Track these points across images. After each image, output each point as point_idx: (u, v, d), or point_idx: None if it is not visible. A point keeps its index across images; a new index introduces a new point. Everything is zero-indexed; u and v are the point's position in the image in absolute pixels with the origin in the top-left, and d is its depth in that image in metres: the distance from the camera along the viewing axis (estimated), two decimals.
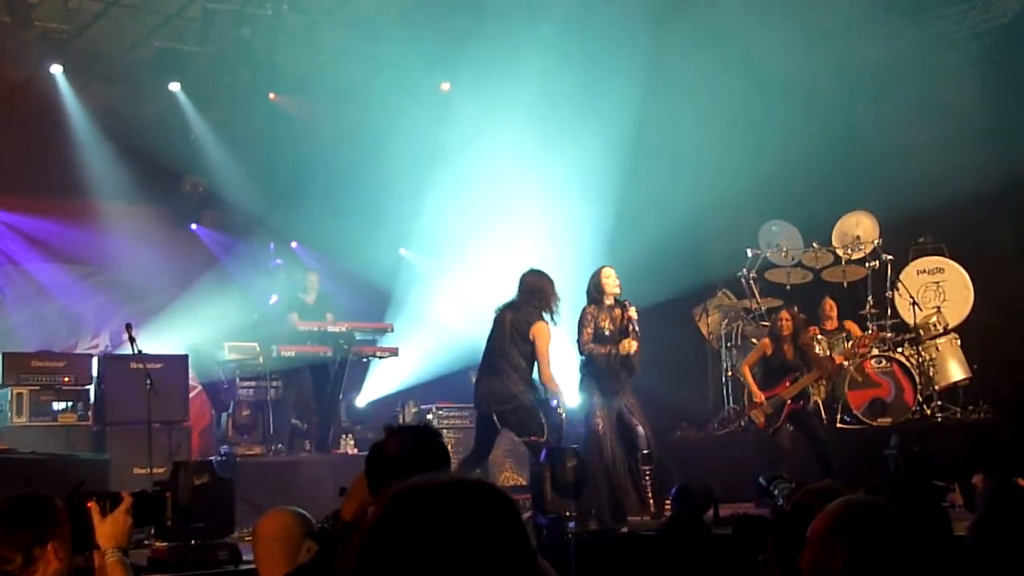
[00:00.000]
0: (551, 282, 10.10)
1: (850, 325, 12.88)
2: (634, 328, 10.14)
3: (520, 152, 14.38)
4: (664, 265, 13.66)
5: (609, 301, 10.32)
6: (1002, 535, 4.07)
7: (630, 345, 10.03)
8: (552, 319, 10.04)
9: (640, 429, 10.24)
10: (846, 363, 12.19)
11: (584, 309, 10.37)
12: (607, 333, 10.22)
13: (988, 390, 12.71)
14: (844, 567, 2.81)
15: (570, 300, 10.52)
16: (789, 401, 11.05)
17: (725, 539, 5.61)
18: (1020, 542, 4.06)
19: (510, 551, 1.84)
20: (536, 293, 10.01)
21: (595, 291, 10.37)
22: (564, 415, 10.06)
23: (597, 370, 10.27)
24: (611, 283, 10.35)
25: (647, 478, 10.20)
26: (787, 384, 11.10)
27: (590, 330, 10.24)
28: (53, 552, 3.65)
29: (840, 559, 2.82)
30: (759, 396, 11.14)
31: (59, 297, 15.03)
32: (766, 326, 13.43)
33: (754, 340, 13.55)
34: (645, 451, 10.22)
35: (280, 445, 12.79)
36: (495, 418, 9.91)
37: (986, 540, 4.10)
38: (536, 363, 9.90)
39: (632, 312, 10.17)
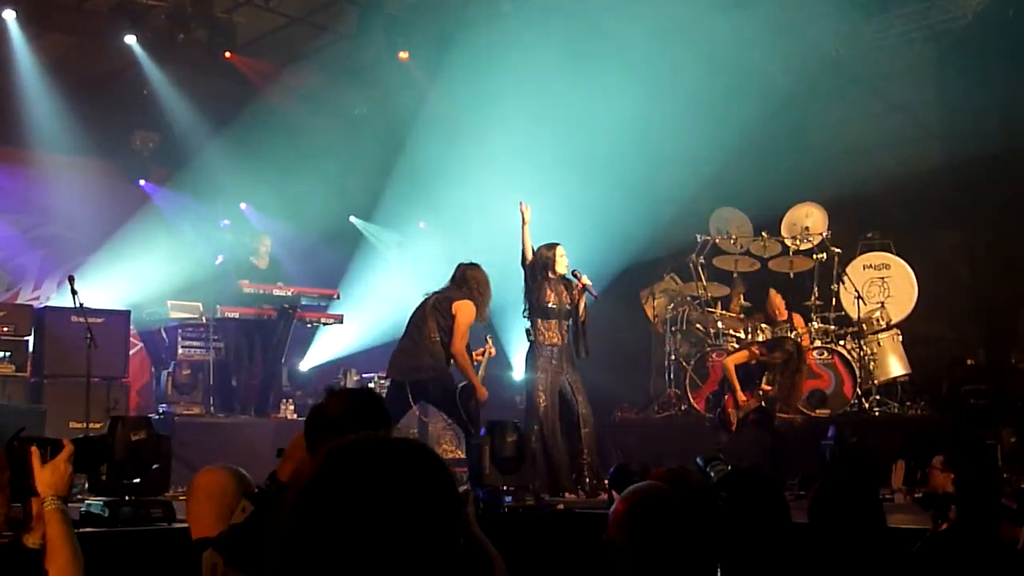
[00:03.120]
0: (487, 278, 10.10)
1: (794, 317, 12.95)
2: (587, 297, 10.22)
3: (478, 130, 14.36)
4: (613, 247, 13.70)
5: (554, 276, 10.34)
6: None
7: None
8: (479, 311, 10.01)
9: (581, 408, 10.28)
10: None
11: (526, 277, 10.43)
12: (552, 307, 10.26)
13: (926, 387, 12.85)
14: (628, 550, 3.00)
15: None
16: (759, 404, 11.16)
17: None
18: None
19: (440, 507, 1.86)
20: (469, 281, 10.00)
21: (541, 266, 10.37)
22: (479, 402, 9.99)
23: (540, 345, 10.31)
24: (562, 263, 10.39)
25: (585, 456, 10.25)
26: (764, 385, 11.13)
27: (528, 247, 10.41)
28: None
29: (626, 541, 3.00)
30: (743, 398, 11.15)
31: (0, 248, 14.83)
32: (711, 312, 13.53)
33: (699, 326, 13.64)
34: (585, 430, 10.27)
35: (219, 406, 12.72)
36: (408, 388, 9.85)
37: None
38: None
39: (585, 279, 10.24)
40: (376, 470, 1.84)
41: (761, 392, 11.09)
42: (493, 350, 10.74)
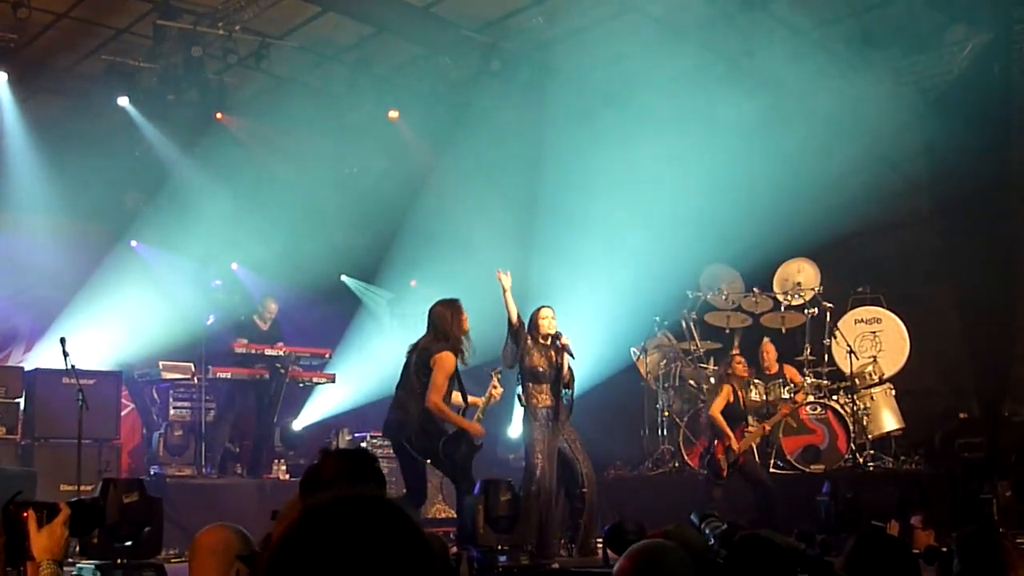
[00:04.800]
0: (456, 309, 9.95)
1: (789, 370, 12.95)
2: (568, 358, 10.19)
3: (469, 187, 14.43)
4: (605, 302, 13.71)
5: (545, 340, 10.32)
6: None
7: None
8: (460, 350, 9.92)
9: (583, 468, 10.24)
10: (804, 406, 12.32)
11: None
12: (541, 370, 10.21)
13: (920, 441, 12.83)
14: None
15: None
16: (747, 448, 11.15)
17: None
18: None
19: (409, 568, 1.85)
20: (439, 323, 9.84)
21: (532, 329, 10.35)
22: (472, 448, 9.90)
23: (534, 408, 10.24)
24: (547, 324, 10.32)
25: (584, 517, 10.19)
26: (747, 429, 11.16)
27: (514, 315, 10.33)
28: None
29: None
30: (734, 442, 11.14)
31: None
32: (704, 368, 13.52)
33: (692, 382, 13.62)
34: (583, 490, 10.20)
35: (211, 467, 12.65)
36: (406, 445, 9.77)
37: None
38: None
39: (564, 340, 10.18)
40: (346, 530, 1.84)
41: (746, 434, 11.11)
42: (498, 391, 10.41)
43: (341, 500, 1.91)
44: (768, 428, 11.76)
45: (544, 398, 10.23)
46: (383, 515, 1.89)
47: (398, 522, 1.89)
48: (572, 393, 10.37)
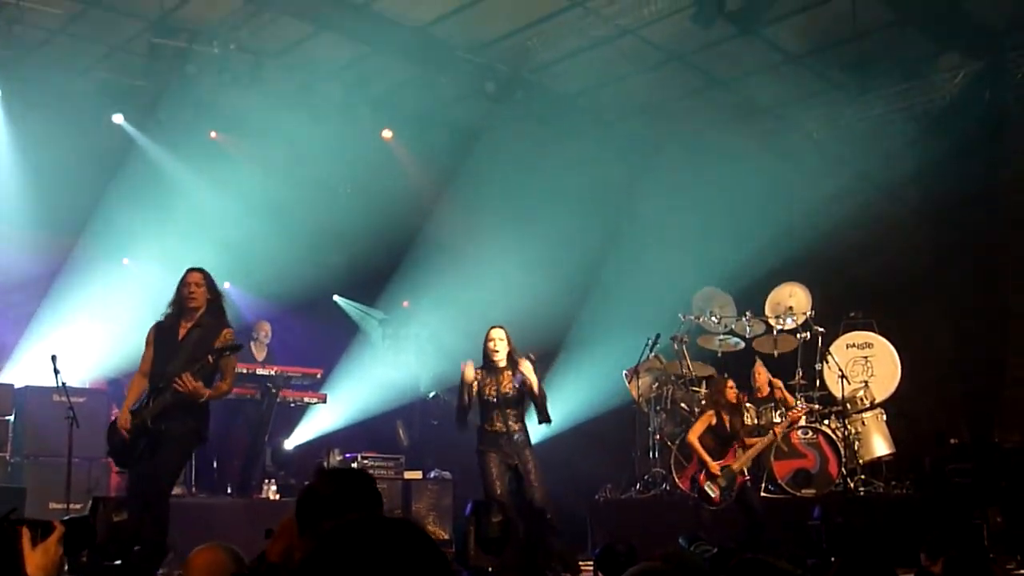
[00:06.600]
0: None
1: (779, 389, 12.93)
2: (529, 380, 9.98)
3: (462, 208, 14.44)
4: (597, 324, 13.72)
5: (501, 364, 10.18)
6: None
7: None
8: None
9: (531, 491, 9.87)
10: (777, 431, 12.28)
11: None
12: (487, 397, 10.06)
13: (911, 466, 12.83)
14: None
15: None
16: (742, 473, 11.09)
17: None
18: None
19: None
20: None
21: (484, 355, 10.26)
22: None
23: (484, 432, 10.10)
24: (491, 346, 10.17)
25: (552, 540, 9.90)
26: (732, 455, 11.14)
27: (466, 398, 10.10)
28: None
29: None
30: (715, 466, 11.11)
31: None
32: (696, 391, 13.52)
33: (683, 405, 13.60)
34: (547, 516, 9.92)
35: (201, 486, 12.60)
36: None
37: None
38: None
39: (523, 366, 9.99)
40: (372, 550, 1.86)
41: (739, 453, 11.09)
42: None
43: (368, 520, 1.91)
44: (778, 434, 11.73)
45: (497, 424, 10.03)
46: (410, 537, 1.89)
47: (424, 545, 1.90)
48: (540, 403, 10.14)
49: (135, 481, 8.56)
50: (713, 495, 11.09)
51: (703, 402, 12.91)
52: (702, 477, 11.20)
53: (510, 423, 9.96)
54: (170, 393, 8.44)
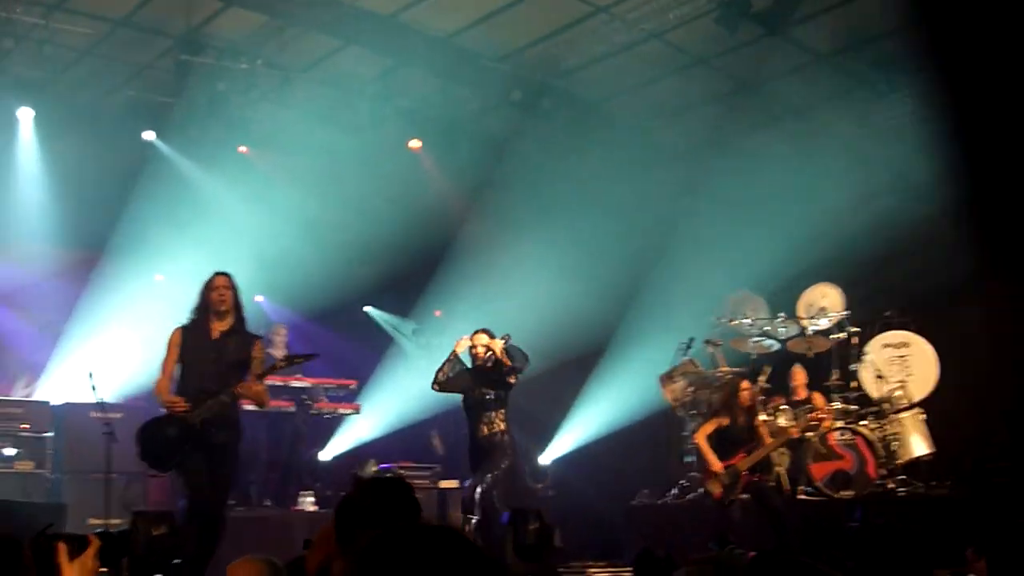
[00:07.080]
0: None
1: (816, 398, 12.85)
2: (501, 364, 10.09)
3: (492, 217, 14.44)
4: (629, 331, 13.68)
5: (485, 365, 10.26)
6: None
7: None
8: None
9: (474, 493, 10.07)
10: (808, 434, 12.19)
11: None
12: (487, 398, 10.20)
13: (951, 466, 12.71)
14: None
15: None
16: (746, 472, 11.03)
17: None
18: None
19: None
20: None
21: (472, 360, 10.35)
22: None
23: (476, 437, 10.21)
24: (470, 348, 10.35)
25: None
26: (743, 455, 11.09)
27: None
28: None
29: None
30: (717, 466, 11.09)
31: (16, 346, 14.84)
32: None
33: None
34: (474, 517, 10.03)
35: (238, 499, 12.63)
36: None
37: None
38: None
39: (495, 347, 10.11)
40: (420, 557, 1.86)
41: (741, 458, 11.03)
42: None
43: (414, 528, 1.91)
44: (794, 435, 11.67)
45: (483, 427, 10.14)
46: (457, 544, 1.89)
47: (471, 551, 1.91)
48: (511, 371, 10.21)
49: (196, 489, 8.49)
50: (714, 493, 11.09)
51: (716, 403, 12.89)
52: (704, 475, 11.21)
53: (498, 424, 10.24)
54: (228, 395, 8.46)
